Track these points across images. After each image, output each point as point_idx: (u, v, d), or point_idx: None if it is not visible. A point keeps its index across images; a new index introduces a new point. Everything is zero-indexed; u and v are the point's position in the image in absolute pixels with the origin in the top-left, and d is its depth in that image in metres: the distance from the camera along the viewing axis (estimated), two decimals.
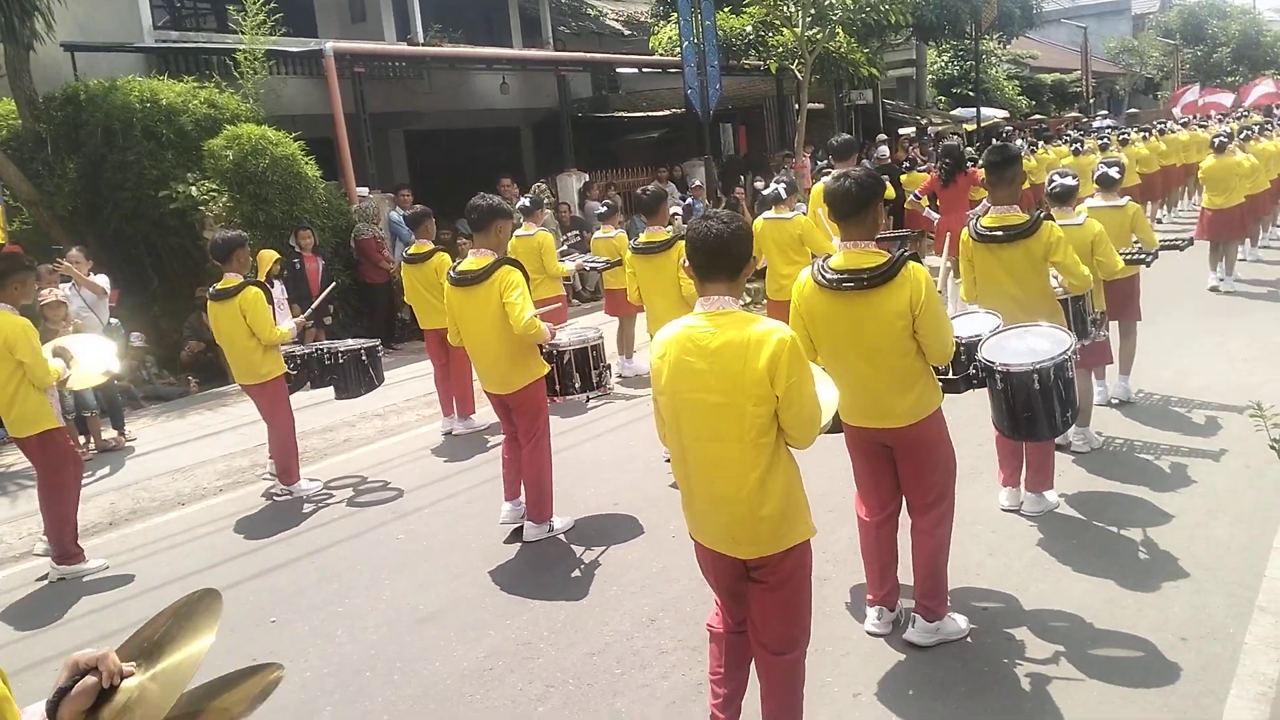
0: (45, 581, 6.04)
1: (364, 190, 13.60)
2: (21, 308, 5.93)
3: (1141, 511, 5.46)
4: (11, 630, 5.43)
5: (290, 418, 7.12)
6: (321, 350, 7.41)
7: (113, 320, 9.51)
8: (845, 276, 3.84)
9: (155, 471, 8.10)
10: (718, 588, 3.39)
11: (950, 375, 4.50)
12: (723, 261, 3.08)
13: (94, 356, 6.60)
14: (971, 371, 4.50)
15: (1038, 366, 4.32)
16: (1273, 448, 3.58)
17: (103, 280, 9.37)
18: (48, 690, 1.67)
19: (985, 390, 4.59)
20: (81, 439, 8.76)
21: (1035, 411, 4.37)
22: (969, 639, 4.28)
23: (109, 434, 9.04)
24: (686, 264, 3.19)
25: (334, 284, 8.81)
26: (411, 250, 8.48)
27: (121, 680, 1.61)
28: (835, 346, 4.03)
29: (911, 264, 3.82)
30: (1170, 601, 4.45)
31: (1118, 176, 7.14)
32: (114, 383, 8.41)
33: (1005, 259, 5.23)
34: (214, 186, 11.74)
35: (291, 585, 5.58)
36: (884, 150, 17.82)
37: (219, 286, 6.81)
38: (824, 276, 3.90)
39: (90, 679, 1.60)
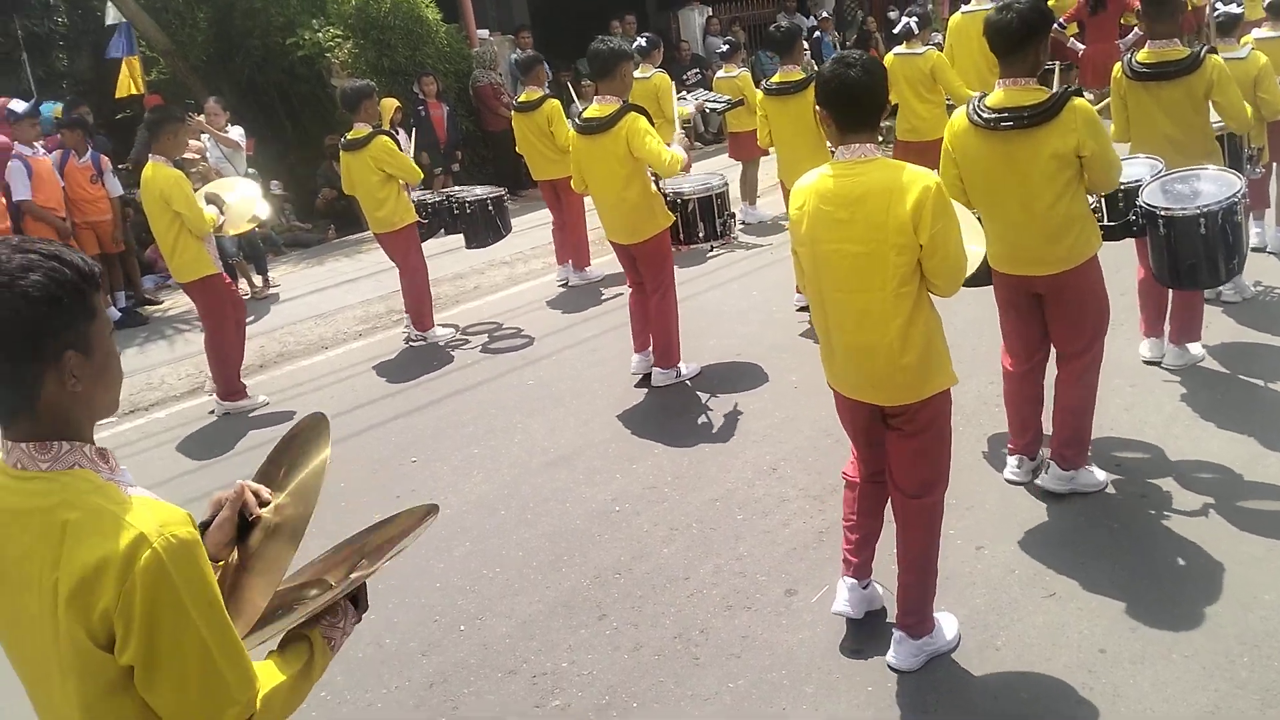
0: (213, 417, 6.53)
1: (484, 32, 13.41)
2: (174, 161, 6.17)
3: None
4: (187, 461, 5.93)
5: (423, 265, 7.31)
6: (450, 199, 7.54)
7: (250, 171, 9.82)
8: (1004, 115, 3.68)
9: (298, 317, 8.54)
10: (855, 436, 3.41)
11: (1108, 222, 4.31)
12: (863, 111, 3.00)
13: (243, 202, 6.86)
14: (1131, 218, 4.29)
15: (1204, 210, 4.07)
16: None
17: (237, 133, 9.63)
18: None
19: (1131, 238, 4.38)
20: None
21: (1198, 259, 4.14)
22: (1102, 493, 4.23)
23: (255, 280, 9.50)
24: (822, 112, 3.09)
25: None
26: (521, 98, 8.26)
27: (260, 506, 1.81)
28: (988, 190, 3.89)
29: (1076, 100, 3.64)
30: None
31: None
32: (255, 230, 8.78)
33: (1163, 99, 4.86)
34: (338, 33, 11.80)
35: (431, 426, 5.87)
36: None
37: (349, 137, 6.93)
38: (980, 115, 3.75)
39: (225, 512, 1.79)
